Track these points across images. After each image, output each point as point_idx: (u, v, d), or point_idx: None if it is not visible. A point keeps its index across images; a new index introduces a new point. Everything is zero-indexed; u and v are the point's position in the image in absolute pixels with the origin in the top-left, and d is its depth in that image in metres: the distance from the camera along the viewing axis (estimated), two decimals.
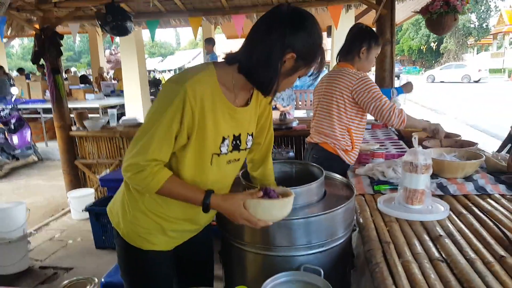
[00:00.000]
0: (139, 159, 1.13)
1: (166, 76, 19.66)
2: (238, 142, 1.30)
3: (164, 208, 1.29)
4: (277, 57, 1.11)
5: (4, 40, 6.48)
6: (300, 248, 1.35)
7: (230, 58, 1.21)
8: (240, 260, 1.48)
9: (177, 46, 60.53)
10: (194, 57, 32.44)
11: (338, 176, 1.73)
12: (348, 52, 2.32)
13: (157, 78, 13.64)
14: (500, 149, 3.48)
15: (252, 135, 1.37)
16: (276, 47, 1.10)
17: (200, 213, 1.34)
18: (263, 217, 1.20)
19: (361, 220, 1.56)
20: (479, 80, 24.04)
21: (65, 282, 1.07)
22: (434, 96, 16.86)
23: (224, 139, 1.24)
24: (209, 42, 7.48)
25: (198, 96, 1.13)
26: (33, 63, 4.55)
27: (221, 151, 1.25)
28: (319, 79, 2.13)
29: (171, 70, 31.77)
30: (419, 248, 1.28)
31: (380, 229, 1.44)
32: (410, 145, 2.70)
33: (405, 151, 2.47)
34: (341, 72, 2.25)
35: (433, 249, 1.27)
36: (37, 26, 4.32)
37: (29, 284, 2.89)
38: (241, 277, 1.52)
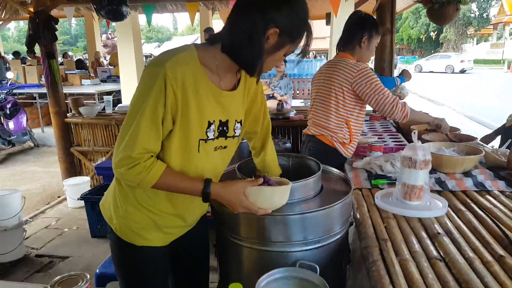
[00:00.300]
0: (129, 151, 1.09)
1: None
2: (225, 128, 1.26)
3: (154, 201, 1.26)
4: (259, 33, 1.07)
5: None
6: (296, 244, 1.34)
7: (212, 38, 1.18)
8: (236, 255, 1.46)
9: (175, 31, 60.04)
10: (191, 43, 32.09)
11: (335, 170, 1.71)
12: (348, 42, 2.27)
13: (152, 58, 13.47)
14: (487, 138, 3.41)
15: (240, 122, 1.33)
16: (258, 22, 1.06)
17: (190, 208, 1.33)
18: (263, 205, 1.18)
19: (358, 216, 1.54)
20: (464, 70, 24.96)
21: (57, 278, 1.05)
22: (425, 86, 16.87)
23: (210, 123, 1.20)
24: (208, 32, 7.37)
25: (179, 77, 1.08)
26: (28, 48, 4.49)
27: (207, 136, 1.21)
28: (321, 65, 2.09)
29: None
30: (416, 246, 1.27)
31: (377, 225, 1.43)
32: (408, 137, 2.68)
33: (403, 145, 2.46)
34: (340, 62, 2.21)
35: (431, 247, 1.25)
36: (31, 9, 4.23)
37: (25, 272, 2.88)
38: (236, 271, 1.50)
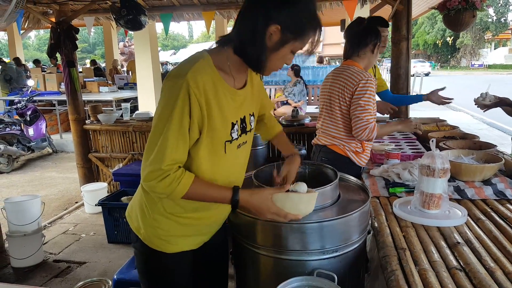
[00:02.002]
0: (159, 164, 1.10)
1: None
2: (244, 124, 1.30)
3: (183, 208, 1.27)
4: (260, 31, 1.11)
5: (21, 31, 6.57)
6: (314, 253, 1.33)
7: (223, 40, 1.21)
8: (252, 263, 1.47)
9: (190, 39, 60.69)
10: (203, 49, 32.27)
11: (352, 178, 1.71)
12: (359, 49, 2.20)
13: (170, 71, 13.62)
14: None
15: (253, 115, 1.37)
16: (259, 20, 1.10)
17: (217, 210, 1.34)
18: (290, 211, 1.20)
19: (376, 225, 1.53)
20: (427, 74, 27.35)
21: (80, 283, 1.07)
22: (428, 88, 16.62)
23: (233, 125, 1.24)
24: None
25: (200, 86, 1.11)
26: (49, 56, 4.61)
27: (232, 137, 1.25)
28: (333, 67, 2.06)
29: None
30: (436, 255, 1.25)
31: (396, 234, 1.41)
32: (425, 144, 2.65)
33: (421, 152, 2.43)
34: (346, 71, 2.16)
35: (451, 257, 1.23)
36: (53, 19, 4.34)
37: (43, 277, 2.93)
38: (253, 279, 1.50)
